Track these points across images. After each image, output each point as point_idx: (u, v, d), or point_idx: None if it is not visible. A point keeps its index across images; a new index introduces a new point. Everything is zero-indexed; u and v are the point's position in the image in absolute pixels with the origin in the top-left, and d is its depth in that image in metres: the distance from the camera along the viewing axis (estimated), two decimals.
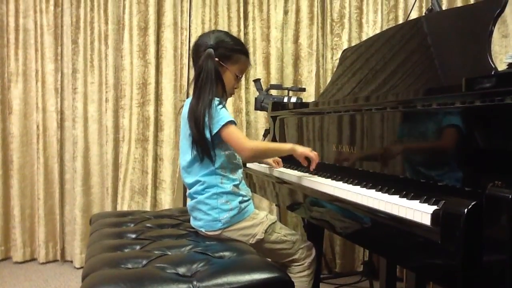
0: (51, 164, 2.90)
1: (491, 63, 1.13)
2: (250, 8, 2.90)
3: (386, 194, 1.14)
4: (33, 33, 2.87)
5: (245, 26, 2.90)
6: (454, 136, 1.07)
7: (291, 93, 2.41)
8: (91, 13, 2.86)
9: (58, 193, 2.89)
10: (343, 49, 2.25)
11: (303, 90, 2.48)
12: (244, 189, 1.56)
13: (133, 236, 1.55)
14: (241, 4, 2.86)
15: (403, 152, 1.26)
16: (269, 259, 1.48)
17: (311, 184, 1.49)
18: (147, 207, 2.82)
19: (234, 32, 2.81)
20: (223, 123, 1.43)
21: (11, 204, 2.89)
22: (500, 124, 0.93)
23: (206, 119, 1.43)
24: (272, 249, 1.55)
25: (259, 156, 1.58)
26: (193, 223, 1.56)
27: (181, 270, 1.22)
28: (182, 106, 1.62)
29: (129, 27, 2.83)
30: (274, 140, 2.14)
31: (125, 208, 2.82)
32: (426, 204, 0.98)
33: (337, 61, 2.41)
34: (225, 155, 1.50)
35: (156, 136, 2.89)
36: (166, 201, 2.86)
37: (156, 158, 2.89)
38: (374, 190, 1.21)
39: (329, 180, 1.46)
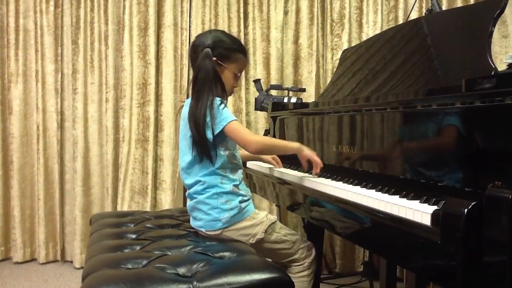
0: (51, 164, 2.90)
1: (491, 63, 1.13)
2: (250, 8, 2.90)
3: (386, 194, 1.14)
4: (33, 34, 2.87)
5: (245, 27, 2.90)
6: (454, 137, 1.07)
7: (291, 93, 2.41)
8: (91, 14, 2.86)
9: (58, 194, 2.89)
10: (343, 50, 2.25)
11: (303, 90, 2.49)
12: (244, 189, 1.56)
13: (133, 236, 1.55)
14: (241, 5, 2.86)
15: (403, 152, 1.26)
16: (269, 259, 1.48)
17: (311, 184, 1.49)
18: (147, 208, 2.82)
19: (234, 32, 2.81)
20: (226, 123, 1.43)
21: (11, 205, 2.89)
22: (500, 124, 0.93)
23: (208, 119, 1.43)
24: (272, 249, 1.55)
25: (265, 150, 1.59)
26: (193, 223, 1.56)
27: (181, 270, 1.22)
28: (182, 106, 1.62)
29: (129, 27, 2.83)
30: None
31: (125, 208, 2.82)
32: (426, 204, 0.98)
33: (337, 61, 2.41)
34: (226, 155, 1.50)
35: (156, 137, 2.89)
36: (166, 202, 2.86)
37: (156, 159, 2.90)
38: (374, 190, 1.21)
39: (329, 180, 1.46)
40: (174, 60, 2.87)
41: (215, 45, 1.51)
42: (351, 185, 1.34)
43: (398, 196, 1.11)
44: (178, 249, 1.39)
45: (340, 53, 2.29)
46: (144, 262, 1.27)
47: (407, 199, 1.07)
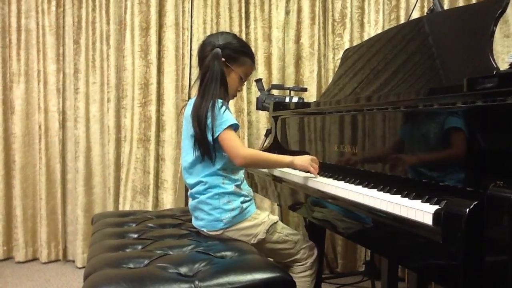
0: (53, 164, 2.90)
1: (493, 63, 1.12)
2: (251, 8, 2.90)
3: (388, 194, 1.14)
4: (35, 34, 2.87)
5: (247, 26, 2.90)
6: (456, 136, 1.07)
7: (292, 93, 2.41)
8: (93, 14, 2.86)
9: (60, 193, 2.90)
10: (344, 49, 2.24)
11: (305, 90, 2.48)
12: (246, 189, 1.56)
13: (135, 236, 1.55)
14: (243, 4, 2.86)
15: (404, 152, 1.26)
16: (271, 259, 1.48)
17: (312, 184, 1.49)
18: (149, 207, 2.83)
19: (235, 32, 2.81)
20: (226, 126, 1.43)
21: (13, 204, 2.90)
22: (502, 124, 0.93)
23: (209, 120, 1.43)
24: (274, 249, 1.55)
25: (253, 165, 1.57)
26: (194, 223, 1.56)
27: (183, 270, 1.22)
28: (184, 106, 1.62)
29: (130, 27, 2.83)
30: (275, 140, 2.14)
31: (127, 208, 2.82)
32: (428, 204, 0.98)
33: (339, 61, 2.41)
34: (227, 156, 1.50)
35: (158, 136, 2.89)
36: (168, 201, 2.86)
37: (158, 158, 2.90)
38: (375, 190, 1.21)
39: (330, 180, 1.46)
40: (176, 59, 2.87)
41: (224, 46, 1.52)
42: (352, 185, 1.34)
43: (399, 195, 1.11)
44: (180, 249, 1.39)
45: (341, 52, 2.29)
46: (146, 261, 1.27)
47: (408, 198, 1.07)
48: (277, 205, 2.76)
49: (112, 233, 1.57)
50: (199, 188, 1.50)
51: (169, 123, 2.87)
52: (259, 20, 2.90)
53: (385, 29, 2.45)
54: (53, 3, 2.85)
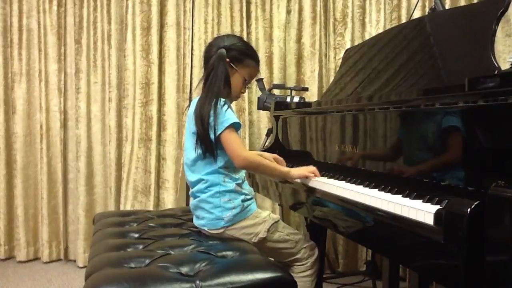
0: (55, 163, 2.91)
1: (494, 62, 1.12)
2: (252, 7, 2.90)
3: (389, 194, 1.14)
4: (36, 33, 2.88)
5: (248, 26, 2.90)
6: (457, 136, 1.07)
7: (293, 92, 2.41)
8: (94, 13, 2.87)
9: (62, 193, 2.90)
10: (346, 49, 2.24)
11: (306, 89, 2.48)
12: (247, 188, 1.56)
13: (136, 235, 1.55)
14: (244, 4, 2.86)
15: (405, 151, 1.26)
16: (272, 259, 1.48)
17: (313, 183, 1.49)
18: (150, 207, 2.83)
19: (237, 32, 2.81)
20: (227, 125, 1.44)
21: (15, 204, 2.90)
22: (503, 124, 0.93)
23: (211, 119, 1.44)
24: (275, 248, 1.55)
25: (251, 168, 1.58)
26: (196, 222, 1.57)
27: (184, 269, 1.22)
28: (188, 105, 1.63)
29: (132, 27, 2.83)
30: (277, 139, 2.14)
31: (128, 207, 2.82)
32: (429, 204, 0.98)
33: (340, 60, 2.41)
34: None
35: (159, 136, 2.89)
36: (169, 201, 2.87)
37: (159, 158, 2.90)
38: (376, 190, 1.21)
39: (331, 179, 1.46)
40: (177, 59, 2.87)
41: (230, 48, 1.55)
42: (353, 185, 1.34)
43: (400, 195, 1.11)
44: (181, 248, 1.39)
45: (343, 52, 2.29)
46: (147, 261, 1.27)
47: (410, 198, 1.07)
48: (278, 204, 2.76)
49: (113, 233, 1.57)
50: (200, 186, 1.50)
51: (170, 122, 2.87)
52: (260, 19, 2.90)
53: (387, 28, 2.45)
54: (55, 2, 2.85)
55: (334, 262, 2.81)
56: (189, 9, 2.82)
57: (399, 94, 1.32)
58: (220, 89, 1.50)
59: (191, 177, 1.54)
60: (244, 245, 1.44)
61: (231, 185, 1.49)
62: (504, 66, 1.19)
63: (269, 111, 2.36)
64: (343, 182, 1.40)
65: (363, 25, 2.80)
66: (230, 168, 1.51)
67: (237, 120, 1.48)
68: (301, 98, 2.29)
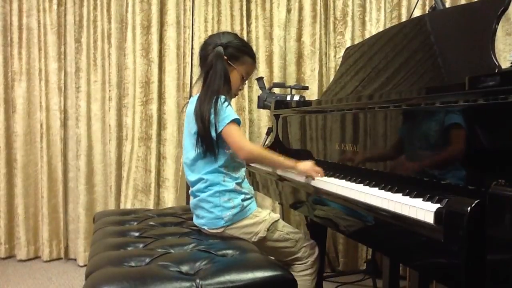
0: (55, 162, 2.91)
1: (494, 61, 1.12)
2: (253, 6, 2.90)
3: (389, 192, 1.14)
4: (36, 32, 2.88)
5: (248, 25, 2.90)
6: (457, 135, 1.07)
7: (294, 91, 2.41)
8: (94, 12, 2.86)
9: (62, 192, 2.90)
10: (346, 48, 2.24)
11: (306, 88, 2.48)
12: (247, 187, 1.56)
13: (136, 234, 1.55)
14: (244, 3, 2.86)
15: (406, 150, 1.26)
16: (272, 258, 1.48)
17: (314, 182, 1.49)
18: (150, 206, 2.83)
19: (237, 30, 2.81)
20: (228, 121, 1.44)
21: (15, 203, 2.90)
22: (504, 122, 0.93)
23: (212, 116, 1.44)
24: (275, 247, 1.55)
25: (256, 160, 1.59)
26: (195, 221, 1.57)
27: (184, 268, 1.22)
28: (186, 103, 1.63)
29: (132, 25, 2.83)
30: (277, 138, 2.14)
31: (128, 206, 2.82)
32: (429, 202, 0.98)
33: (340, 59, 2.40)
34: (229, 154, 1.51)
35: (159, 135, 2.89)
36: (169, 200, 2.87)
37: (159, 157, 2.90)
38: (377, 188, 1.21)
39: (332, 178, 1.46)
40: (177, 58, 2.87)
41: (227, 45, 1.55)
42: (354, 183, 1.34)
43: (401, 194, 1.11)
44: (181, 247, 1.39)
45: (343, 51, 2.29)
46: (147, 260, 1.27)
47: (410, 197, 1.06)
48: (278, 203, 2.76)
49: (113, 232, 1.58)
50: (200, 186, 1.50)
51: (170, 121, 2.87)
52: (260, 18, 2.89)
53: (387, 27, 2.45)
54: (55, 1, 2.85)
55: (334, 261, 2.81)
56: (189, 8, 2.82)
57: (399, 93, 1.32)
58: (220, 87, 1.49)
59: (191, 176, 1.54)
60: (244, 243, 1.44)
61: (231, 185, 1.49)
62: (505, 65, 1.18)
63: (269, 110, 2.36)
64: (343, 181, 1.40)
65: (363, 24, 2.79)
66: (229, 167, 1.51)
67: (238, 117, 1.48)
68: (301, 97, 2.29)
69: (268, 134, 2.47)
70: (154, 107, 2.85)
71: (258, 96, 2.42)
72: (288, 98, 2.27)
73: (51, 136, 2.90)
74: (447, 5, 2.50)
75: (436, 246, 0.91)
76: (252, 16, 2.90)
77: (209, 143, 1.46)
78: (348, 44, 2.70)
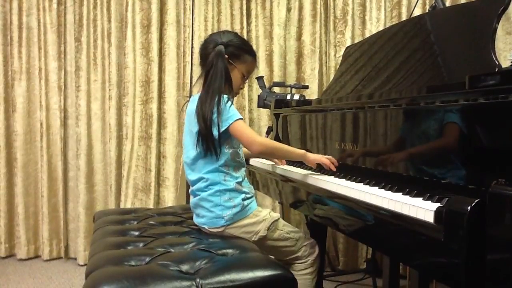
0: (55, 162, 2.91)
1: (495, 60, 1.12)
2: (253, 5, 2.89)
3: (389, 192, 1.14)
4: (36, 31, 2.87)
5: (248, 24, 2.90)
6: (458, 134, 1.06)
7: (294, 90, 2.41)
8: (94, 11, 2.86)
9: (62, 191, 2.90)
10: (346, 47, 2.24)
11: (306, 87, 2.48)
12: (247, 187, 1.56)
13: (136, 233, 1.55)
14: (244, 2, 2.86)
15: (406, 149, 1.26)
16: (272, 257, 1.48)
17: (314, 181, 1.49)
18: (150, 205, 2.83)
19: (237, 29, 2.81)
20: (232, 121, 1.44)
21: (15, 202, 2.90)
22: (504, 122, 0.93)
23: (214, 116, 1.44)
24: (275, 247, 1.55)
25: (269, 152, 1.59)
26: (196, 220, 1.57)
27: (184, 267, 1.22)
28: (187, 102, 1.63)
29: (132, 24, 2.83)
30: (277, 137, 2.14)
31: (128, 205, 2.82)
32: (429, 202, 0.98)
33: (340, 58, 2.40)
34: (230, 153, 1.51)
35: (159, 134, 2.89)
36: (169, 199, 2.87)
37: (159, 156, 2.90)
38: (377, 188, 1.21)
39: (332, 177, 1.46)
40: (177, 57, 2.87)
41: (228, 44, 1.55)
42: (354, 182, 1.34)
43: (401, 193, 1.11)
44: (181, 246, 1.39)
45: (343, 50, 2.29)
46: (147, 259, 1.27)
47: (410, 196, 1.06)
48: (279, 202, 2.76)
49: (113, 231, 1.58)
50: (201, 185, 1.50)
51: (170, 120, 2.87)
52: (260, 17, 2.89)
53: (387, 26, 2.45)
54: (54, 0, 2.84)
55: (334, 260, 2.81)
56: (189, 7, 2.82)
57: (399, 92, 1.32)
58: (221, 85, 1.49)
59: (191, 175, 1.54)
60: (244, 243, 1.44)
61: (232, 184, 1.49)
62: (505, 64, 1.19)
63: (269, 109, 2.36)
64: (344, 180, 1.40)
65: (363, 23, 2.79)
66: (230, 166, 1.51)
67: (241, 117, 1.48)
68: (301, 96, 2.29)
69: (268, 133, 2.47)
70: (154, 106, 2.85)
71: (258, 95, 2.42)
72: (288, 97, 2.27)
73: (51, 135, 2.89)
74: (447, 4, 2.49)
75: (436, 245, 0.91)
76: (252, 15, 2.90)
77: (211, 142, 1.46)
78: (348, 43, 2.70)
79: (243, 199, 1.50)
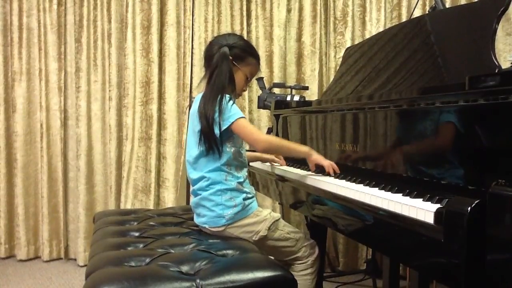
0: (55, 162, 2.91)
1: (495, 61, 1.12)
2: (253, 6, 2.90)
3: (389, 192, 1.14)
4: (36, 32, 2.87)
5: (248, 25, 2.90)
6: (458, 135, 1.07)
7: (294, 91, 2.41)
8: (94, 12, 2.87)
9: (62, 192, 2.90)
10: (346, 48, 2.24)
11: (306, 88, 2.48)
12: (248, 187, 1.56)
13: (137, 234, 1.55)
14: (244, 3, 2.86)
15: (406, 150, 1.26)
16: (272, 257, 1.48)
17: (314, 182, 1.49)
18: (150, 205, 2.83)
19: (237, 30, 2.81)
20: (234, 119, 1.45)
21: (15, 203, 2.90)
22: (504, 122, 0.93)
23: (216, 115, 1.45)
24: (275, 247, 1.55)
25: (273, 150, 1.61)
26: (196, 219, 1.57)
27: (184, 268, 1.22)
28: (189, 103, 1.64)
29: (132, 25, 2.83)
30: None
31: (129, 206, 2.82)
32: (429, 203, 0.98)
33: (340, 59, 2.40)
34: (231, 152, 1.51)
35: (159, 135, 2.89)
36: (169, 199, 2.87)
37: (159, 157, 2.90)
38: (377, 188, 1.21)
39: (332, 178, 1.46)
40: (177, 58, 2.87)
41: (232, 46, 1.56)
42: (353, 183, 1.34)
43: (401, 194, 1.11)
44: (181, 247, 1.39)
45: (343, 51, 2.29)
46: (147, 260, 1.27)
47: (410, 197, 1.06)
48: (279, 203, 2.76)
49: (113, 232, 1.58)
50: (202, 184, 1.51)
51: (170, 121, 2.87)
52: (260, 18, 2.89)
53: (387, 27, 2.45)
54: (55, 1, 2.85)
55: (334, 261, 2.81)
56: (189, 8, 2.82)
57: (399, 93, 1.32)
58: (225, 86, 1.51)
59: (193, 174, 1.55)
60: (244, 243, 1.44)
61: (233, 184, 1.50)
62: (505, 65, 1.19)
63: (270, 110, 2.36)
64: (343, 181, 1.40)
65: (363, 23, 2.79)
66: (232, 166, 1.52)
67: (243, 115, 1.49)
68: (301, 97, 2.29)
69: (268, 134, 2.47)
70: (154, 107, 2.85)
71: (258, 96, 2.42)
72: (288, 98, 2.27)
73: (51, 136, 2.90)
74: (447, 5, 2.50)
75: (436, 246, 0.91)
76: (252, 16, 2.90)
77: (213, 140, 1.47)
78: (348, 44, 2.70)
79: (244, 199, 1.50)
